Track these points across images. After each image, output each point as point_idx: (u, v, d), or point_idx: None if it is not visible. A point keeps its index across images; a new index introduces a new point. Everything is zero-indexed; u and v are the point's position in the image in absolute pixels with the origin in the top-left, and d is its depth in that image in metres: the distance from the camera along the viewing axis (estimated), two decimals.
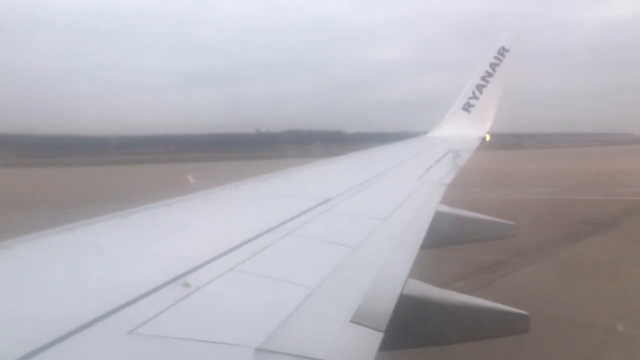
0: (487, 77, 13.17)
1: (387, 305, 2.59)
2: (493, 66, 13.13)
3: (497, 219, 7.28)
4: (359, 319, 2.36)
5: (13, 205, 26.20)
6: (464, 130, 12.73)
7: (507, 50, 13.14)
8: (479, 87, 13.23)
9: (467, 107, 13.29)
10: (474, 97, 13.25)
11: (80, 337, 1.89)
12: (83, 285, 2.58)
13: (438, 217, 4.96)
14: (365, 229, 4.02)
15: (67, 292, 2.45)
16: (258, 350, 1.91)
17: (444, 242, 5.90)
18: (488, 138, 13.06)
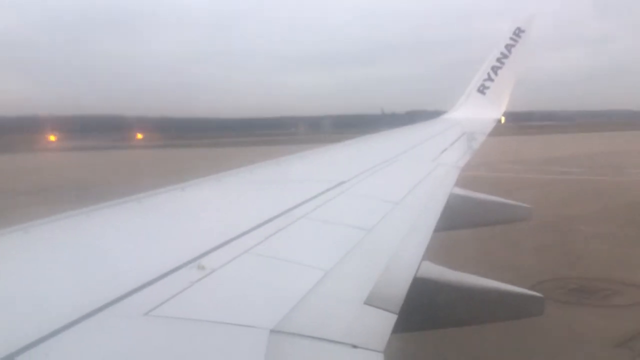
0: (502, 58, 12.99)
1: (401, 287, 2.59)
2: (508, 47, 12.95)
3: (512, 202, 7.24)
4: (373, 301, 2.37)
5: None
6: (479, 113, 12.61)
7: (523, 32, 12.95)
8: (494, 69, 13.07)
9: (482, 89, 13.14)
10: (489, 79, 13.10)
11: (98, 318, 1.92)
12: (100, 267, 2.61)
13: (453, 200, 4.94)
14: (379, 211, 4.01)
15: (84, 275, 2.48)
16: (272, 332, 1.93)
17: (459, 224, 5.88)
18: (503, 120, 12.93)
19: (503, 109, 12.98)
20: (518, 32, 12.94)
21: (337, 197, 4.34)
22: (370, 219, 3.77)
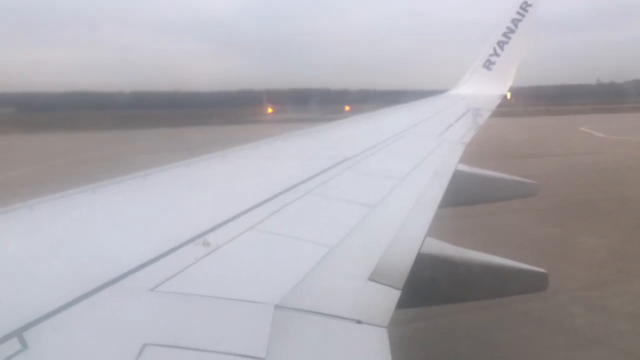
0: (508, 33, 12.83)
1: (405, 263, 2.60)
2: (515, 22, 12.77)
3: (519, 178, 7.23)
4: (377, 277, 2.38)
5: None
6: (484, 89, 12.51)
7: (530, 5, 12.76)
8: (500, 44, 12.91)
9: (487, 65, 13.01)
10: (495, 54, 12.95)
11: (105, 294, 1.94)
12: (106, 243, 2.63)
13: (457, 176, 4.93)
14: (384, 188, 4.01)
15: (91, 251, 2.50)
16: (277, 307, 1.94)
17: (464, 201, 5.89)
18: (509, 96, 12.83)
19: (509, 84, 12.87)
20: (525, 6, 12.75)
21: (341, 174, 4.33)
22: (374, 195, 3.76)
